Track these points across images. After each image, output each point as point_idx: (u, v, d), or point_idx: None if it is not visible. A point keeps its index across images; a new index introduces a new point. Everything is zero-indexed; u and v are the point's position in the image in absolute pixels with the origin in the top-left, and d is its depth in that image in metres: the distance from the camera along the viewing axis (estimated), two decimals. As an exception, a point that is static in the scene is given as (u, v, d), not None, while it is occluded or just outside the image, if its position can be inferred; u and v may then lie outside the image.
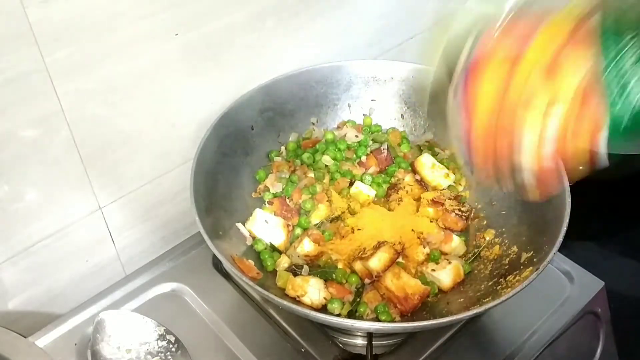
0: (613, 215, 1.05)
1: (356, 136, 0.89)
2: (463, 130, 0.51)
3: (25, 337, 0.64)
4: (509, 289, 0.64)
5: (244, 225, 0.78)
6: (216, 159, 0.78)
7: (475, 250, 0.77)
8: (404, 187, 0.84)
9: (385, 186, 0.84)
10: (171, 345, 0.71)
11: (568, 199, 0.68)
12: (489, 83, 0.49)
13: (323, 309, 0.70)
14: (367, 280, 0.73)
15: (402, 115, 0.92)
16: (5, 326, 0.65)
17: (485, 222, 0.81)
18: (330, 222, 0.80)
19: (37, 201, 0.69)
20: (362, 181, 0.84)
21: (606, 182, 1.00)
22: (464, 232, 0.80)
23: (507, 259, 0.73)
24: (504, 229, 0.78)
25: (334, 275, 0.73)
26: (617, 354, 0.85)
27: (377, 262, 0.72)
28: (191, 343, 0.72)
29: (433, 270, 0.74)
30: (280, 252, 0.77)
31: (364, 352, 0.72)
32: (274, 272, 0.74)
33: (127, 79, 0.69)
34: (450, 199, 0.82)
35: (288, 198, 0.82)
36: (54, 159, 0.67)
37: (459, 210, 0.81)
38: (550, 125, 0.47)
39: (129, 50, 0.67)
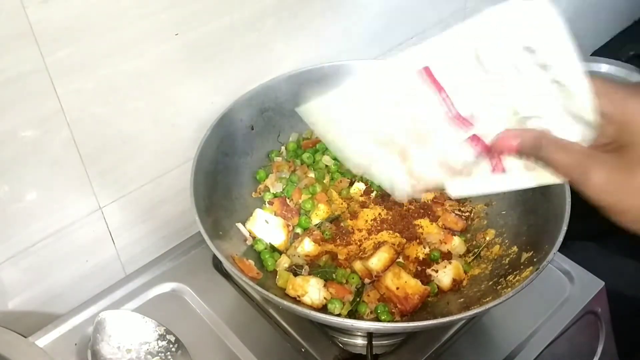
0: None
1: (356, 136, 0.89)
2: None
3: (25, 337, 0.64)
4: (509, 289, 0.64)
5: (244, 225, 0.78)
6: (216, 159, 0.78)
7: (476, 250, 0.77)
8: (404, 187, 0.84)
9: (385, 186, 0.84)
10: (171, 345, 0.71)
11: (568, 199, 0.68)
12: None
13: (323, 309, 0.70)
14: (367, 280, 0.73)
15: (402, 115, 0.91)
16: (5, 326, 0.65)
17: (485, 222, 0.81)
18: (330, 222, 0.80)
19: (37, 201, 0.69)
20: (362, 181, 0.84)
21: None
22: (464, 232, 0.80)
23: (507, 259, 0.73)
24: (504, 229, 0.78)
25: (334, 275, 0.73)
26: (617, 354, 0.85)
27: (377, 262, 0.72)
28: (191, 343, 0.72)
29: (434, 270, 0.74)
30: (280, 252, 0.77)
31: (364, 352, 0.72)
32: (274, 272, 0.74)
33: (127, 79, 0.69)
34: (450, 199, 0.82)
35: (288, 198, 0.82)
36: (54, 159, 0.67)
37: (459, 210, 0.81)
38: None
39: (129, 50, 0.67)
